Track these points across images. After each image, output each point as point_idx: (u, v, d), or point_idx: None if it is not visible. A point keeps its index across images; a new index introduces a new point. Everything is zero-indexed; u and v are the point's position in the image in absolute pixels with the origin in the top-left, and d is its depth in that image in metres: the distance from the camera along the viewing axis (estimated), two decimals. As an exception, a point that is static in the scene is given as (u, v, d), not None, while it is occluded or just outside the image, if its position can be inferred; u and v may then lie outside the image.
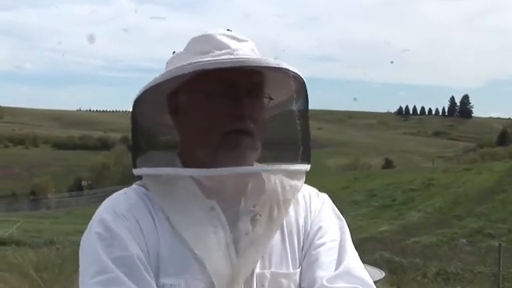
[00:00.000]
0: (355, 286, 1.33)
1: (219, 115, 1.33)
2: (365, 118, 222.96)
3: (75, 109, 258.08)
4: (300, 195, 1.47)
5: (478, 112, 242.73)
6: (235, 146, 1.32)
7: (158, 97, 1.39)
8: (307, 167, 1.42)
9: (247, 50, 1.40)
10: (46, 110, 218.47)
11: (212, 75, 1.30)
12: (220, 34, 1.40)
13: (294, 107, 1.43)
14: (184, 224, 1.32)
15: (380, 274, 5.86)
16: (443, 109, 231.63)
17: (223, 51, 1.36)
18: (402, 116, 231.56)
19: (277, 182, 1.42)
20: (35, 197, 65.80)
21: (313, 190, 1.52)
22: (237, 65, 1.29)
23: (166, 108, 1.42)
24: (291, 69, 1.33)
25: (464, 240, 26.38)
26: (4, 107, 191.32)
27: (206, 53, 1.36)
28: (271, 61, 1.32)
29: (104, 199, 1.41)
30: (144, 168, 1.38)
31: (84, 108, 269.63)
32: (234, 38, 1.41)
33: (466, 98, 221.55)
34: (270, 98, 1.41)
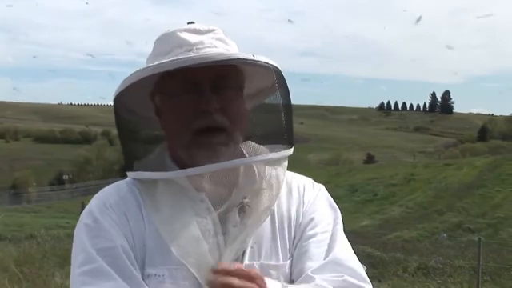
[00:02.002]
0: (341, 275, 1.33)
1: (186, 114, 1.33)
2: (347, 113, 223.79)
3: (56, 102, 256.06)
4: (295, 186, 1.47)
5: (458, 108, 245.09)
6: (206, 145, 1.32)
7: (140, 98, 1.39)
8: (288, 152, 1.40)
9: (209, 42, 1.38)
10: (27, 104, 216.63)
11: (174, 75, 1.30)
12: (181, 31, 1.39)
13: (268, 94, 1.41)
14: (171, 216, 1.33)
15: (361, 269, 5.90)
16: (424, 104, 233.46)
17: (183, 48, 1.36)
18: (384, 111, 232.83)
19: (269, 172, 1.40)
20: (16, 191, 65.16)
21: (308, 181, 1.51)
22: (184, 64, 1.28)
23: (151, 107, 1.42)
24: (245, 57, 1.31)
25: (444, 234, 26.64)
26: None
27: (167, 53, 1.36)
28: (222, 54, 1.31)
29: (85, 193, 1.42)
30: (130, 172, 1.40)
31: (65, 102, 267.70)
32: (195, 31, 1.39)
33: (447, 94, 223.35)
34: (240, 89, 1.39)
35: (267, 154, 1.38)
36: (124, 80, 1.33)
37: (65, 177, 72.86)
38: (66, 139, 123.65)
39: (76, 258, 1.32)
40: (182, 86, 1.33)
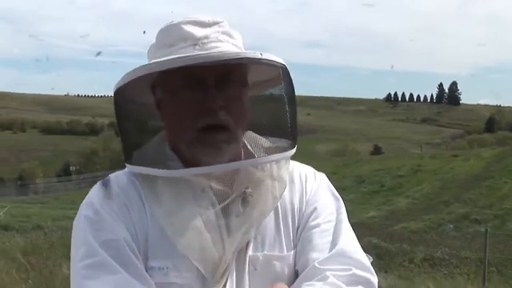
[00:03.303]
0: (348, 267, 1.32)
1: (190, 111, 1.31)
2: (354, 104, 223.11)
3: (63, 94, 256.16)
4: (296, 175, 1.46)
5: (466, 99, 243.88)
6: (209, 143, 1.30)
7: (141, 89, 1.37)
8: (292, 152, 1.40)
9: (214, 36, 1.36)
10: (34, 95, 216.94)
11: (178, 71, 1.27)
12: (185, 23, 1.36)
13: (277, 90, 1.40)
14: (173, 208, 1.32)
15: (368, 260, 5.90)
16: (431, 96, 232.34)
17: (187, 43, 1.33)
18: (391, 102, 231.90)
19: (271, 164, 1.40)
20: (23, 182, 65.43)
21: (309, 170, 1.50)
22: (191, 63, 1.25)
23: (151, 98, 1.40)
24: (252, 56, 1.29)
25: (451, 225, 26.60)
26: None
27: (171, 45, 1.34)
28: (229, 53, 1.28)
29: (92, 184, 1.42)
30: (131, 166, 1.38)
31: (72, 93, 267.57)
32: (201, 23, 1.36)
33: (454, 85, 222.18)
34: (244, 85, 1.37)
35: (272, 155, 1.37)
36: (126, 74, 1.31)
37: (72, 168, 73.13)
38: (72, 130, 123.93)
39: (77, 251, 1.30)
40: (186, 82, 1.30)
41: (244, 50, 1.38)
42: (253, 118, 1.40)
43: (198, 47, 1.32)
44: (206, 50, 1.32)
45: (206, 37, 1.35)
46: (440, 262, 13.51)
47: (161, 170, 1.33)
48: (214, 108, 1.29)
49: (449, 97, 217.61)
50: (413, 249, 14.96)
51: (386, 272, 11.70)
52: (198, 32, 1.35)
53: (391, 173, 40.81)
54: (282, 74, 1.36)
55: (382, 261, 12.72)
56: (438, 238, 19.90)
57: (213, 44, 1.34)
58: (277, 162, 1.39)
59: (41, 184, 63.53)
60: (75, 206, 1.43)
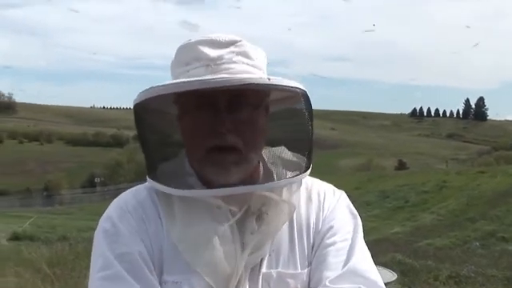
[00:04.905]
0: (359, 286, 1.31)
1: (200, 131, 1.33)
2: (378, 118, 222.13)
3: (89, 106, 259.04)
4: (315, 193, 1.46)
5: (493, 115, 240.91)
6: (218, 163, 1.32)
7: (163, 103, 1.38)
8: (304, 176, 1.41)
9: (228, 57, 1.36)
10: (61, 107, 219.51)
11: (189, 92, 1.30)
12: (201, 42, 1.37)
13: (289, 112, 1.41)
14: (188, 223, 1.34)
15: (392, 276, 5.84)
16: (458, 111, 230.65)
17: (201, 63, 1.35)
18: (416, 117, 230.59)
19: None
20: (49, 193, 66.16)
21: (329, 188, 1.50)
22: (197, 87, 1.27)
23: (174, 112, 1.42)
24: (255, 82, 1.29)
25: (477, 243, 26.22)
26: (19, 103, 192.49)
27: (187, 64, 1.37)
28: (235, 79, 1.28)
29: (117, 196, 1.44)
30: (150, 180, 1.40)
31: (98, 105, 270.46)
32: (216, 44, 1.37)
33: (481, 100, 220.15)
34: (257, 108, 1.37)
35: (284, 179, 1.39)
36: (141, 93, 1.33)
37: (96, 179, 73.75)
38: (98, 142, 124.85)
39: (95, 262, 1.34)
40: (199, 103, 1.33)
41: (260, 70, 1.40)
42: (266, 139, 1.41)
43: (210, 68, 1.34)
44: (219, 71, 1.33)
45: (220, 58, 1.35)
46: (466, 280, 13.30)
47: (172, 189, 1.35)
48: (221, 131, 1.31)
49: (475, 112, 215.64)
50: (438, 266, 14.78)
51: (410, 289, 11.57)
52: (212, 53, 1.36)
53: (416, 188, 40.41)
54: (295, 96, 1.36)
55: (406, 277, 12.57)
56: (463, 255, 19.63)
57: (225, 66, 1.35)
58: (290, 184, 1.41)
59: (66, 195, 64.26)
60: (100, 217, 1.44)
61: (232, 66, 1.35)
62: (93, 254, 1.37)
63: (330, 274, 1.34)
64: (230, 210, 1.36)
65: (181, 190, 1.35)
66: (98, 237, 1.37)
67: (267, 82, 1.29)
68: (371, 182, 45.67)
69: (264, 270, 1.36)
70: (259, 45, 1.43)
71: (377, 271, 1.38)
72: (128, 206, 1.38)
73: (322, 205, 1.45)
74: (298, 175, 1.39)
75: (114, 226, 1.35)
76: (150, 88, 1.31)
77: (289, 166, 1.42)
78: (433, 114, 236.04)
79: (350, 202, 1.49)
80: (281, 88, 1.32)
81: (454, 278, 13.52)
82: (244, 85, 1.28)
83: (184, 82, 1.29)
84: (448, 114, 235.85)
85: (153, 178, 1.39)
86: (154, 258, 1.32)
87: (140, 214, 1.37)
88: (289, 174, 1.40)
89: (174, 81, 1.33)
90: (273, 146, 1.45)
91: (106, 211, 1.40)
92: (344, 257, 1.36)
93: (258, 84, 1.29)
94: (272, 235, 1.36)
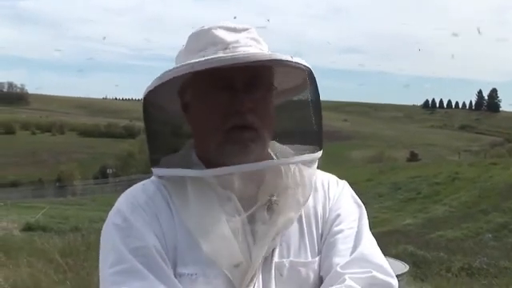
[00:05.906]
0: (369, 270, 1.33)
1: (218, 113, 1.34)
2: (391, 110, 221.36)
3: (101, 97, 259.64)
4: (319, 183, 1.48)
5: (505, 106, 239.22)
6: (236, 141, 1.33)
7: (168, 94, 1.39)
8: (318, 155, 1.42)
9: (244, 41, 1.38)
10: (73, 98, 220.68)
11: (208, 73, 1.30)
12: (216, 28, 1.39)
13: (302, 95, 1.44)
14: (201, 215, 1.34)
15: (404, 268, 5.81)
16: (470, 102, 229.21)
17: (218, 47, 1.36)
18: (428, 109, 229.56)
19: (295, 170, 1.42)
20: (61, 183, 66.55)
21: (332, 178, 1.52)
22: (217, 65, 1.28)
23: (178, 103, 1.43)
24: (283, 58, 1.32)
25: (489, 235, 26.13)
26: (32, 94, 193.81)
27: (202, 50, 1.37)
28: (258, 54, 1.31)
29: (129, 187, 1.44)
30: (157, 169, 1.40)
31: (110, 96, 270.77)
32: (231, 29, 1.39)
33: (494, 92, 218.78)
34: (273, 88, 1.40)
35: (300, 155, 1.40)
36: (161, 76, 1.33)
37: (109, 171, 74.03)
38: (110, 133, 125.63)
39: (106, 258, 1.33)
40: (216, 84, 1.33)
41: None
42: (278, 122, 1.43)
43: (228, 51, 1.35)
44: (237, 52, 1.34)
45: (237, 41, 1.38)
46: (478, 272, 13.25)
47: (188, 170, 1.36)
48: (242, 110, 1.32)
49: (488, 104, 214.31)
50: (450, 257, 14.74)
51: (422, 281, 11.55)
52: (229, 37, 1.37)
53: (428, 180, 40.32)
54: (308, 78, 1.39)
55: (418, 269, 12.56)
56: (475, 247, 19.56)
57: (243, 48, 1.37)
58: (302, 163, 1.42)
59: (78, 186, 64.54)
60: (112, 208, 1.43)
61: (249, 48, 1.37)
62: (103, 249, 1.35)
63: (339, 260, 1.35)
64: (240, 201, 1.36)
65: (198, 171, 1.35)
66: (109, 231, 1.35)
67: (290, 59, 1.32)
68: (383, 173, 45.60)
69: (276, 259, 1.36)
70: (273, 36, 1.44)
71: (383, 257, 1.40)
72: (139, 200, 1.37)
73: (328, 194, 1.47)
74: (311, 154, 1.41)
75: (126, 220, 1.34)
76: (183, 65, 1.31)
77: (301, 148, 1.44)
78: (445, 105, 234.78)
79: (353, 192, 1.52)
80: (301, 67, 1.36)
81: (466, 269, 13.47)
82: (271, 60, 1.31)
83: (213, 59, 1.29)
84: (460, 106, 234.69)
85: (163, 167, 1.39)
86: (167, 251, 1.32)
87: (152, 209, 1.35)
88: (301, 155, 1.42)
89: (203, 58, 1.31)
90: (282, 130, 1.46)
91: (115, 206, 1.39)
92: (351, 243, 1.38)
93: (284, 60, 1.32)
94: (284, 225, 1.37)
